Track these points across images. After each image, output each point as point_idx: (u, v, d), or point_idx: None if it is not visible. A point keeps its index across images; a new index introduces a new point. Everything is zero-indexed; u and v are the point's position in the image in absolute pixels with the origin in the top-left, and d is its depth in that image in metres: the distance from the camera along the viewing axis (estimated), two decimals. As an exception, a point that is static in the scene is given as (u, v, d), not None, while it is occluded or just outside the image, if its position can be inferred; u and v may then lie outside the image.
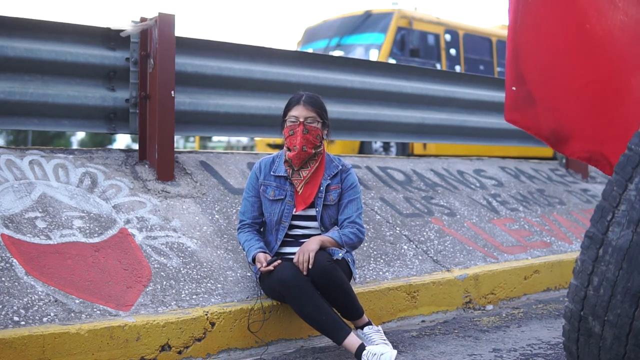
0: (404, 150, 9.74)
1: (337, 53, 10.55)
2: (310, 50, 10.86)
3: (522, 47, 2.88)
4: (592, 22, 2.76)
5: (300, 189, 2.96)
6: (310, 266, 2.72)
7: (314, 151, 2.95)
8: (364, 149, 9.70)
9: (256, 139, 11.49)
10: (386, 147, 9.94)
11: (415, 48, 10.40)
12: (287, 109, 2.99)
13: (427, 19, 10.88)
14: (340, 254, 2.87)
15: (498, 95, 5.91)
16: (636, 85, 2.81)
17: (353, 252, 3.06)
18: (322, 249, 2.80)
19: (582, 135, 2.95)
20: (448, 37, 11.21)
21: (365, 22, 10.82)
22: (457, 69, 11.15)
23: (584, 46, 2.79)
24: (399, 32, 10.47)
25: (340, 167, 3.03)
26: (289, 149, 2.96)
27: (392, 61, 9.94)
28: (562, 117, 2.95)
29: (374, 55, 10.20)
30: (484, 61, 11.91)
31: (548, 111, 2.94)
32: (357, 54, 10.41)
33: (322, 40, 11.22)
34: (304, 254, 2.75)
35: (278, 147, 10.18)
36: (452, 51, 11.25)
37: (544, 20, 2.84)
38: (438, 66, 10.67)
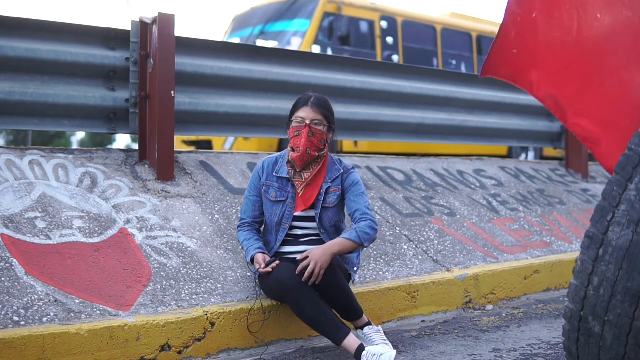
0: (333, 148, 9.09)
1: (261, 42, 9.93)
2: (236, 40, 10.22)
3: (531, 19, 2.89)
4: (602, 12, 2.77)
5: (301, 190, 2.95)
6: (317, 282, 2.68)
7: (317, 154, 2.95)
8: (284, 145, 8.70)
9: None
10: None
11: (345, 35, 9.72)
12: (295, 109, 2.97)
13: (359, 4, 10.14)
14: (355, 269, 2.95)
15: (498, 95, 5.91)
16: (638, 82, 2.81)
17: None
18: (338, 251, 2.78)
19: (578, 113, 2.97)
20: (384, 24, 10.45)
21: (291, 8, 10.08)
22: (395, 58, 10.50)
23: (591, 34, 2.80)
24: (325, 18, 9.71)
25: (342, 169, 3.03)
26: (292, 150, 2.96)
27: (317, 49, 9.44)
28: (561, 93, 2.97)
29: (296, 44, 9.51)
30: (426, 51, 11.20)
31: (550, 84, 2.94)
32: (280, 42, 9.76)
33: (248, 29, 10.51)
34: (315, 267, 2.67)
35: (193, 143, 9.41)
36: (389, 39, 10.55)
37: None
38: (372, 55, 10.03)
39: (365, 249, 3.64)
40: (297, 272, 2.69)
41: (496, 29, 13.33)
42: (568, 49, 2.88)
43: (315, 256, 2.70)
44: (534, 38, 2.89)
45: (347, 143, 9.04)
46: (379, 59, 9.99)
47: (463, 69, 11.79)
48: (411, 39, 10.91)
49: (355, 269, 2.99)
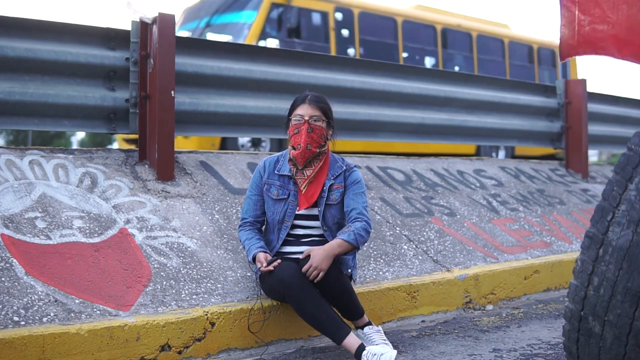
0: (280, 146, 8.66)
1: (209, 35, 9.48)
2: (185, 33, 9.81)
3: None
4: None
5: (304, 188, 2.96)
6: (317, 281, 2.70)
7: (318, 150, 2.95)
8: (226, 145, 8.56)
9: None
10: (256, 142, 8.84)
11: (294, 27, 9.24)
12: (293, 107, 2.99)
13: None
14: (349, 270, 2.93)
15: (498, 95, 5.92)
16: None
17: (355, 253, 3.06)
18: (337, 254, 2.79)
19: None
20: (339, 15, 9.96)
21: None
22: (351, 52, 9.96)
23: None
24: (273, 10, 9.24)
25: (344, 167, 3.03)
26: (293, 148, 2.96)
27: (263, 43, 8.94)
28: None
29: (241, 37, 9.03)
30: (386, 44, 10.71)
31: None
32: (226, 34, 9.27)
33: (196, 21, 10.02)
34: (315, 270, 2.70)
35: (134, 142, 8.67)
36: (344, 32, 10.03)
37: None
38: (325, 49, 9.56)
39: (363, 249, 3.64)
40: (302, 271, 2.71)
41: (462, 21, 12.99)
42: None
43: (316, 260, 2.71)
44: (599, 10, 2.87)
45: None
46: (332, 52, 9.57)
47: (426, 64, 11.36)
48: (369, 32, 10.39)
49: (350, 270, 2.98)
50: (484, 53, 12.27)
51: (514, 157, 11.50)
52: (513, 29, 13.62)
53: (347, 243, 2.81)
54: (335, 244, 2.79)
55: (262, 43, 8.96)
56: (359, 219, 2.90)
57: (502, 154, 11.77)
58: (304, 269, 2.71)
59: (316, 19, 9.79)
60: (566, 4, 2.87)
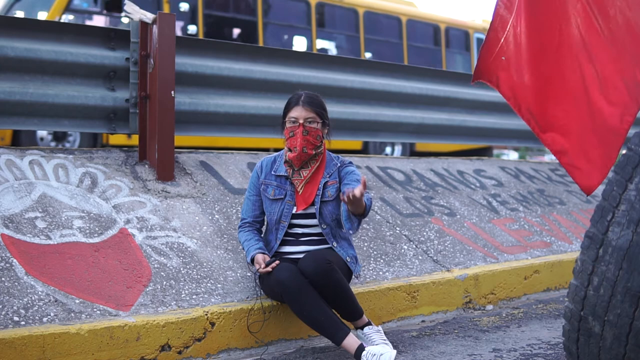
0: (95, 142, 7.77)
1: (17, 12, 8.08)
2: None
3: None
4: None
5: (301, 189, 2.95)
6: (352, 196, 2.57)
7: (314, 152, 2.95)
8: (20, 139, 7.57)
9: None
10: (59, 136, 7.75)
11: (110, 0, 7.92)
12: (287, 109, 2.98)
13: None
14: (347, 258, 2.90)
15: (498, 95, 5.87)
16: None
17: (355, 250, 3.06)
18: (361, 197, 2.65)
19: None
20: None
21: None
22: (192, 29, 8.60)
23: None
24: None
25: (339, 164, 3.03)
26: (289, 150, 2.96)
27: (71, 18, 7.71)
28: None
29: (44, 12, 7.75)
30: (241, 21, 9.19)
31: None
32: (30, 10, 8.00)
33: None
34: (357, 191, 2.57)
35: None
36: (184, 6, 8.54)
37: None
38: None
39: (363, 249, 3.64)
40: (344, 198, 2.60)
41: (428, 13, 11.85)
42: (547, 61, 2.90)
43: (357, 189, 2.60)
44: (518, 46, 2.90)
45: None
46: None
47: (297, 45, 10.18)
48: (217, 7, 8.81)
49: (352, 231, 2.87)
50: (375, 33, 10.90)
51: (413, 153, 10.50)
52: (419, 7, 12.20)
53: (364, 203, 2.70)
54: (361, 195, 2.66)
55: (67, 17, 7.73)
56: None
57: (398, 150, 10.66)
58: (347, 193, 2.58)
59: None
60: (496, 27, 2.89)
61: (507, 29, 2.86)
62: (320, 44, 10.33)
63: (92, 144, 7.58)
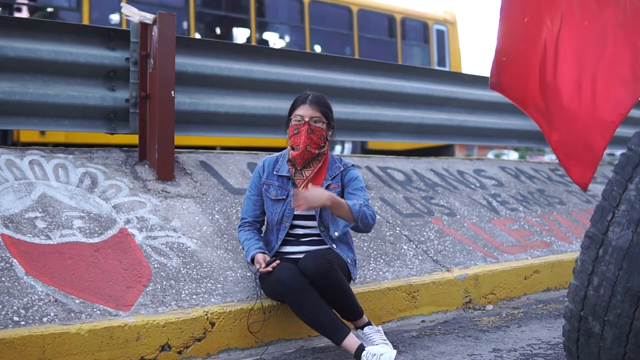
0: (5, 140, 7.54)
1: None
2: None
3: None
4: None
5: (302, 189, 2.95)
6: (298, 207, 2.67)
7: (317, 151, 2.95)
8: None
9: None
10: None
11: None
12: (293, 107, 2.98)
13: None
14: (347, 259, 2.91)
15: (498, 95, 5.89)
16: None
17: (355, 253, 3.06)
18: (333, 204, 2.74)
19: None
20: None
21: None
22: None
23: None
24: None
25: (342, 167, 3.03)
26: (292, 148, 2.96)
27: None
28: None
29: None
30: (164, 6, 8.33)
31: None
32: None
33: None
34: (303, 199, 2.66)
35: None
36: None
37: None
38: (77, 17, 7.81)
39: (363, 249, 3.64)
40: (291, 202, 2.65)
41: (382, 3, 11.02)
42: (544, 56, 2.91)
43: (310, 192, 2.69)
44: (523, 46, 2.91)
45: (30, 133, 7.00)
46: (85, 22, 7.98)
47: (234, 37, 9.70)
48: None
49: (337, 234, 2.93)
50: (322, 24, 10.48)
51: (366, 151, 10.12)
52: None
53: (349, 208, 2.77)
54: (339, 199, 2.75)
55: None
56: (365, 208, 2.86)
57: (348, 147, 10.35)
58: (294, 197, 2.64)
59: None
60: (501, 31, 2.90)
61: (501, 30, 2.88)
62: (261, 35, 9.82)
63: None
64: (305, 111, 2.92)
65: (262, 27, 9.90)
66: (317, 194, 2.73)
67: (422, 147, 10.33)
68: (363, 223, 2.84)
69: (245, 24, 9.48)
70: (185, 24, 8.66)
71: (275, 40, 10.23)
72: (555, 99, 2.90)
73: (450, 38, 12.04)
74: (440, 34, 12.01)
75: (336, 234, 2.92)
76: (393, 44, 11.33)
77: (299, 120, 2.93)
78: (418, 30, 11.78)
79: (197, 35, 8.83)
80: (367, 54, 10.43)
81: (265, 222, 3.07)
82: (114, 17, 8.54)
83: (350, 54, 10.52)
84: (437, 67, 11.49)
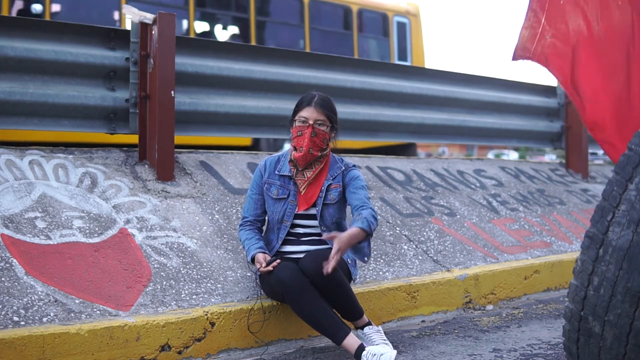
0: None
1: None
2: None
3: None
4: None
5: (304, 189, 2.96)
6: (330, 269, 2.61)
7: (319, 154, 2.95)
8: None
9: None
10: None
11: None
12: (298, 108, 2.97)
13: None
14: (365, 258, 2.97)
15: (498, 95, 5.91)
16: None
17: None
18: (350, 241, 2.71)
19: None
20: None
21: None
22: (39, 8, 7.33)
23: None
24: None
25: (343, 167, 3.03)
26: (295, 149, 2.96)
27: None
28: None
29: None
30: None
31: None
32: None
33: None
34: (338, 252, 2.61)
35: None
36: None
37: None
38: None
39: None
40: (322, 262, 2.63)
41: None
42: (592, 40, 2.92)
43: (342, 242, 2.63)
44: (564, 25, 2.93)
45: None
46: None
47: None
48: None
49: (366, 258, 2.99)
50: (270, 15, 10.12)
51: None
52: None
53: (363, 231, 2.75)
54: (354, 233, 2.72)
55: None
56: (364, 207, 2.87)
57: None
58: (332, 253, 2.61)
59: None
60: (535, 8, 2.91)
61: (546, 9, 2.89)
62: (200, 26, 9.34)
63: None
64: (310, 113, 2.92)
65: (202, 18, 9.49)
66: (348, 241, 2.67)
67: (379, 145, 9.79)
68: (374, 230, 2.83)
69: (184, 15, 8.97)
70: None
71: (217, 31, 9.73)
72: (605, 80, 2.92)
73: (413, 31, 11.45)
74: (401, 26, 11.35)
75: (365, 258, 2.99)
76: (349, 36, 10.75)
77: (303, 122, 2.92)
78: (377, 22, 11.19)
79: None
80: (319, 47, 9.94)
81: (266, 222, 3.07)
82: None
83: (302, 47, 10.06)
84: (397, 62, 10.86)
